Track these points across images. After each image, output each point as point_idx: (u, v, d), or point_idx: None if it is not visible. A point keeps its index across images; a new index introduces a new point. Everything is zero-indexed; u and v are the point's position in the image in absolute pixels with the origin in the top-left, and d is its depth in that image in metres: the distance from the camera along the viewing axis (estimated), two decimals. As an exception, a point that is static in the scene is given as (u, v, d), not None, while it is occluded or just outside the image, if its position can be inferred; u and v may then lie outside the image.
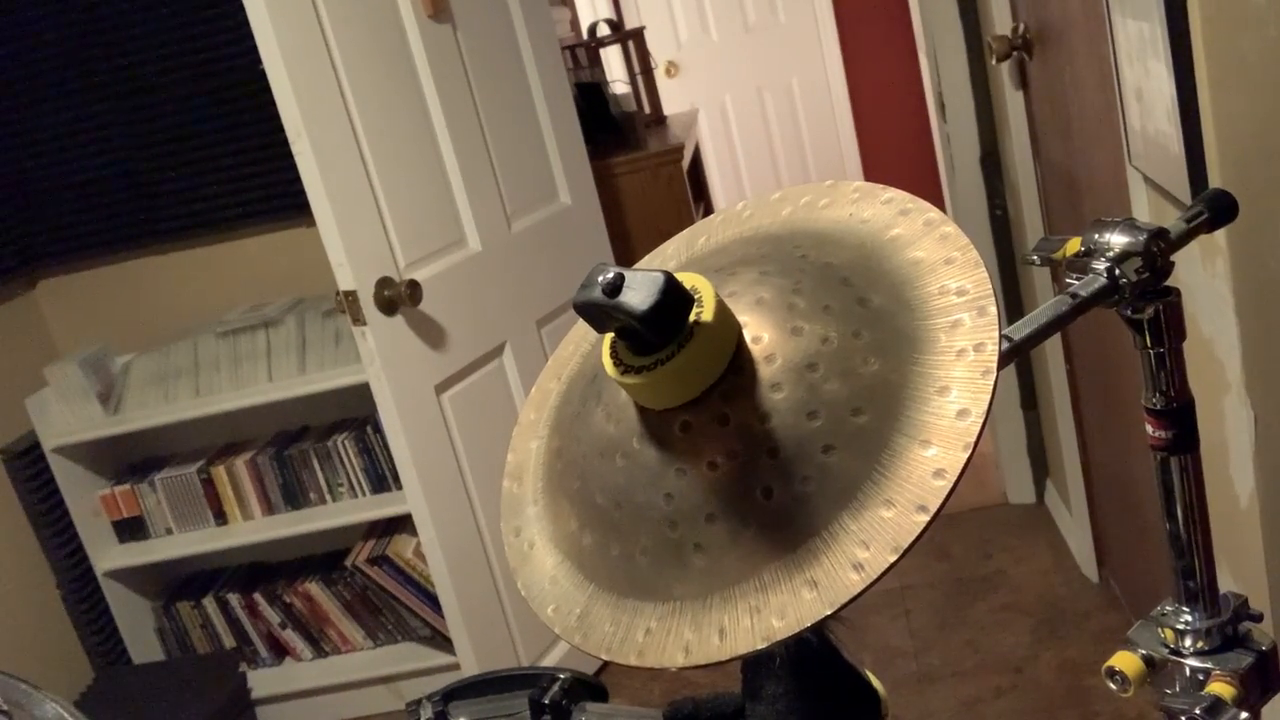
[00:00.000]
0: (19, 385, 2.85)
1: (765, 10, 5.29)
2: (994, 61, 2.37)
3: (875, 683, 0.71)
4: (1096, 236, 0.78)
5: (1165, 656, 0.83)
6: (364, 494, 2.83)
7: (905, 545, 0.51)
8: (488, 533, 2.47)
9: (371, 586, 2.84)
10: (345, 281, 2.16)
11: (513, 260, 2.55)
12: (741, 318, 0.58)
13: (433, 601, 2.67)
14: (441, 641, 2.77)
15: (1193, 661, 0.82)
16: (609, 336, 0.58)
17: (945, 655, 2.53)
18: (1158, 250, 0.77)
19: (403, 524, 2.80)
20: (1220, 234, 1.19)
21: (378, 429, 2.71)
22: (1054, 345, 2.51)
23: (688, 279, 0.57)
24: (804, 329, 0.57)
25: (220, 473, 2.87)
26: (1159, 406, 0.81)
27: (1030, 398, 2.98)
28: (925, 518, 0.51)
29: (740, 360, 0.57)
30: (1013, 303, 2.86)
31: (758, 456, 0.55)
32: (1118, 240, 0.77)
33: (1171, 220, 0.83)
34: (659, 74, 4.84)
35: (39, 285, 3.05)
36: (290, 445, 2.87)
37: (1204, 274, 1.30)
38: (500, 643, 2.49)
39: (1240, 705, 0.78)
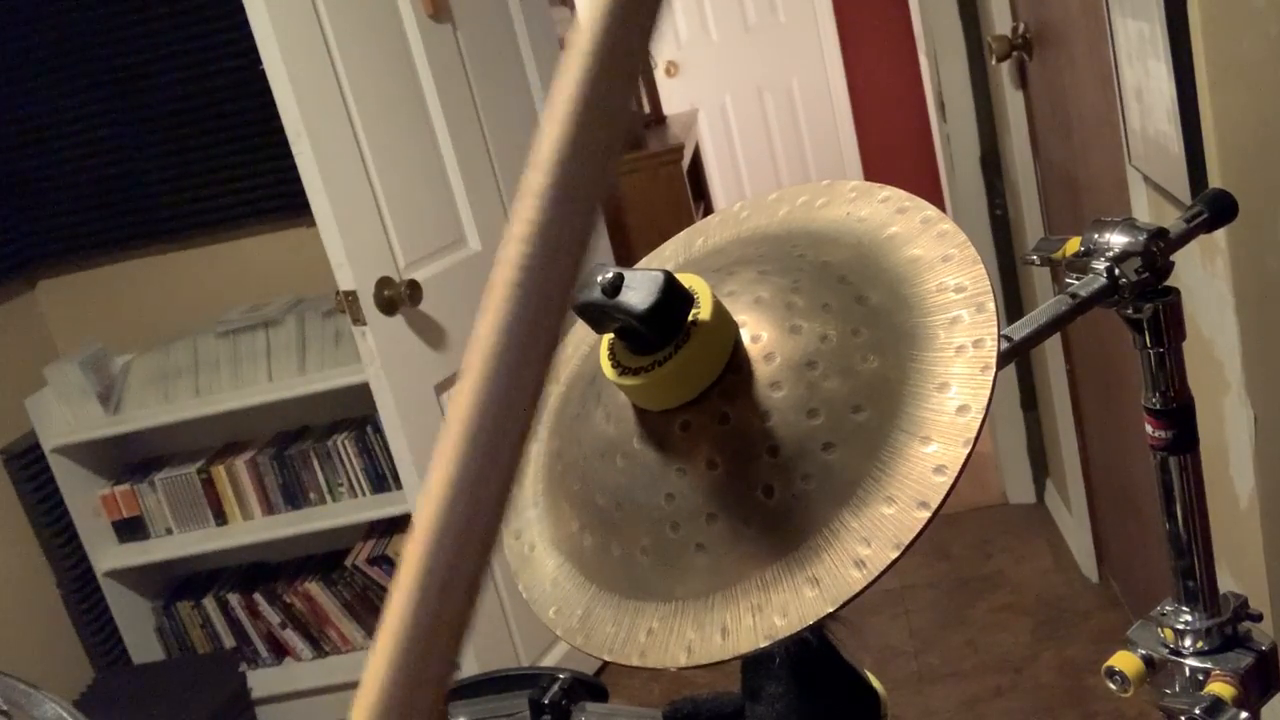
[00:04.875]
0: (19, 385, 2.85)
1: (765, 10, 5.29)
2: (994, 61, 2.37)
3: (875, 683, 0.71)
4: (1096, 236, 0.78)
5: (1165, 656, 0.83)
6: (364, 494, 2.83)
7: (907, 542, 0.51)
8: (488, 533, 2.47)
9: (371, 586, 2.84)
10: (345, 281, 2.16)
11: (513, 260, 2.55)
12: (740, 317, 0.58)
13: (433, 601, 2.67)
14: (441, 642, 2.77)
15: (1192, 661, 0.82)
16: (607, 338, 0.58)
17: (945, 655, 2.53)
18: (1157, 250, 0.78)
19: (403, 524, 2.80)
20: (1220, 234, 1.19)
21: (378, 429, 2.70)
22: (1054, 345, 2.50)
23: (684, 279, 0.57)
24: (803, 327, 0.57)
25: (220, 473, 2.87)
26: (1159, 406, 0.81)
27: (1030, 398, 2.98)
28: (926, 514, 0.51)
29: (739, 359, 0.57)
30: (1013, 303, 2.86)
31: (758, 455, 0.55)
32: (1117, 240, 0.77)
33: (1171, 220, 0.83)
34: (659, 74, 4.84)
35: (39, 285, 3.05)
36: (290, 445, 2.87)
37: (1204, 274, 1.30)
38: (500, 643, 2.49)
39: (1240, 705, 0.78)
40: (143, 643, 2.99)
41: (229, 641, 2.98)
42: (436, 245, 2.37)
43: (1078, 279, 0.77)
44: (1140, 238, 0.77)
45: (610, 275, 0.54)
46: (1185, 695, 0.80)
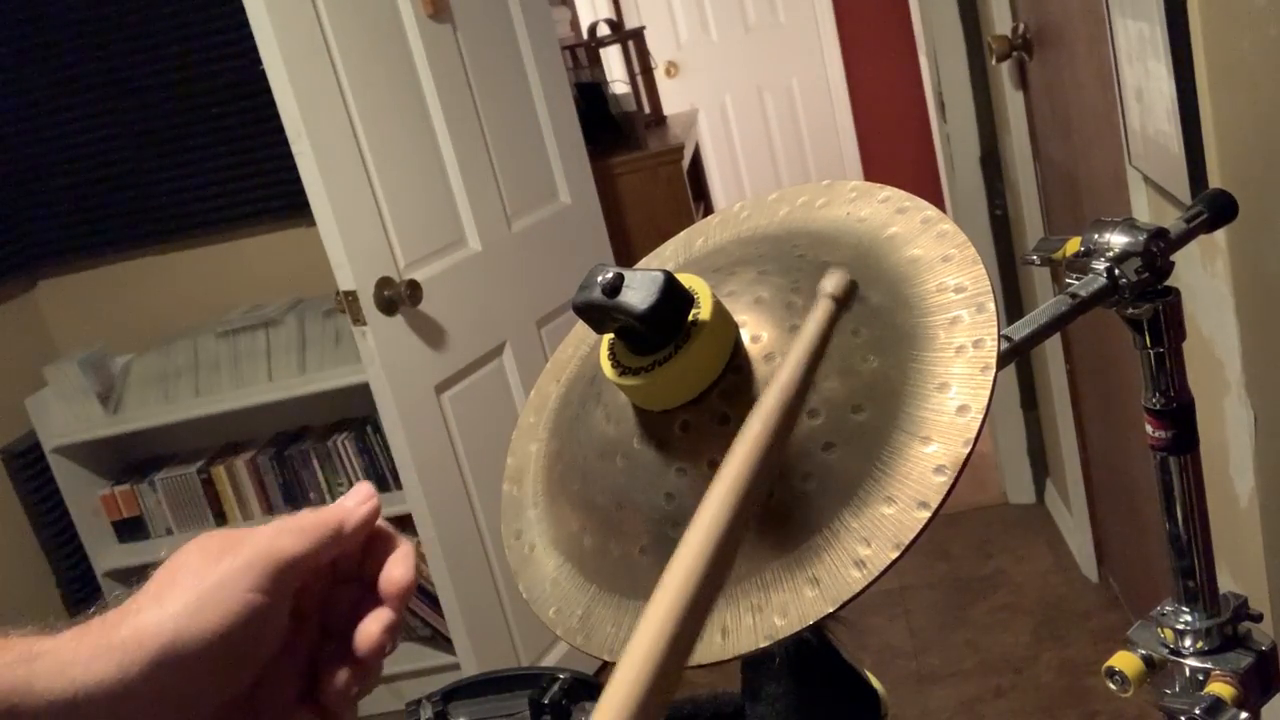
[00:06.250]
0: (19, 385, 2.85)
1: (765, 10, 5.29)
2: (994, 61, 2.37)
3: (875, 683, 0.71)
4: (1096, 236, 0.78)
5: (1165, 656, 0.83)
6: (364, 494, 2.82)
7: (907, 542, 0.51)
8: (488, 533, 2.47)
9: (371, 587, 2.83)
10: (345, 281, 2.16)
11: (513, 260, 2.55)
12: (740, 317, 0.58)
13: (433, 601, 2.67)
14: (441, 641, 2.77)
15: (1192, 661, 0.82)
16: (607, 339, 0.58)
17: (945, 655, 2.53)
18: (1157, 250, 0.78)
19: (403, 524, 2.80)
20: (1220, 234, 1.19)
21: (378, 429, 2.70)
22: (1054, 345, 2.50)
23: (684, 279, 0.57)
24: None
25: (220, 473, 2.87)
26: (1159, 406, 0.81)
27: (1030, 398, 2.98)
28: (926, 514, 0.51)
29: (739, 359, 0.57)
30: (1013, 303, 2.86)
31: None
32: (1118, 240, 0.77)
33: (1171, 220, 0.83)
34: (659, 74, 4.84)
35: (39, 285, 3.05)
36: (290, 445, 2.87)
37: (1204, 274, 1.30)
38: (500, 643, 2.49)
39: (1240, 705, 0.78)
40: (143, 643, 2.99)
41: (229, 641, 2.98)
42: (436, 245, 2.37)
43: (1078, 279, 0.77)
44: (1140, 238, 0.77)
45: (610, 275, 0.54)
46: (1185, 695, 0.80)
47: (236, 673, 0.52)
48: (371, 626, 0.55)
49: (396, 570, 0.57)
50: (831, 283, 0.51)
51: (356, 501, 0.57)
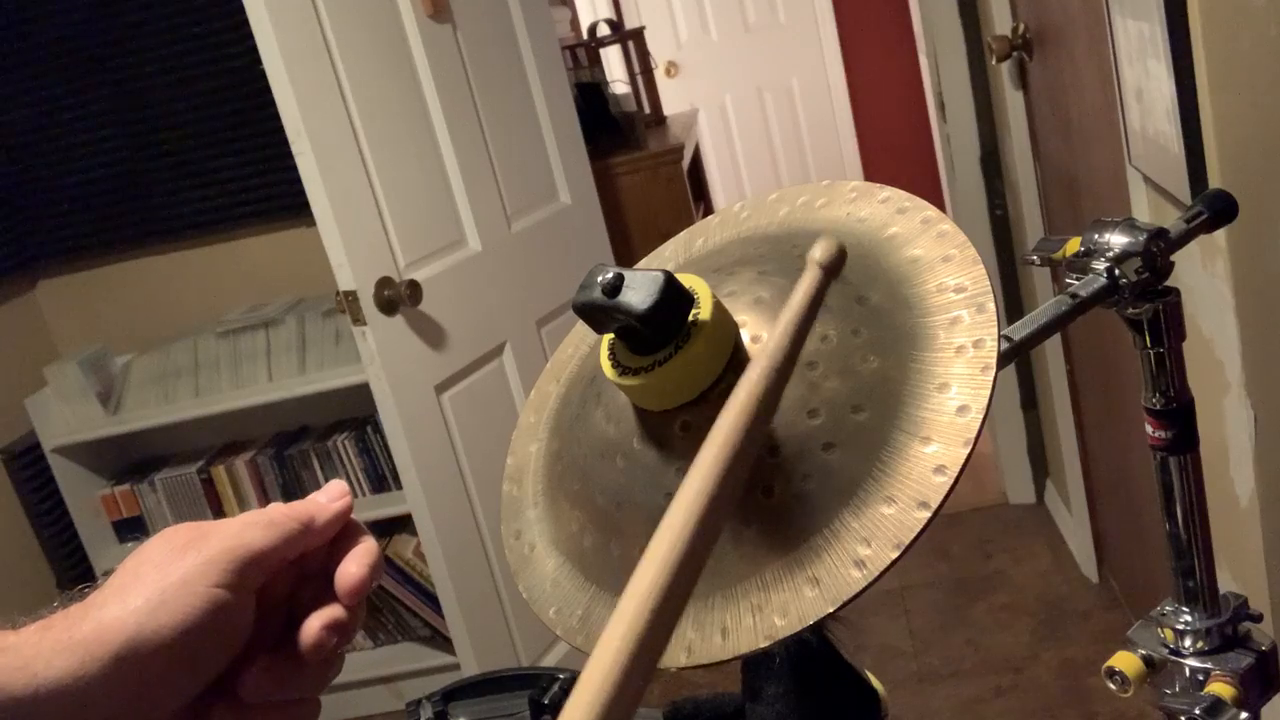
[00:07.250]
0: (19, 385, 2.85)
1: (765, 10, 5.29)
2: (994, 61, 2.37)
3: (875, 683, 0.71)
4: (1096, 236, 0.78)
5: (1165, 656, 0.83)
6: (364, 494, 2.83)
7: (907, 542, 0.51)
8: (488, 533, 2.47)
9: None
10: (345, 281, 2.16)
11: (513, 260, 2.55)
12: (740, 317, 0.58)
13: (433, 601, 2.67)
14: (441, 641, 2.77)
15: (1192, 661, 0.82)
16: (607, 338, 0.58)
17: (945, 655, 2.53)
18: (1157, 250, 0.78)
19: (403, 524, 2.80)
20: (1220, 234, 1.19)
21: (378, 429, 2.71)
22: (1054, 345, 2.50)
23: (684, 279, 0.57)
24: (804, 328, 0.57)
25: (220, 473, 2.87)
26: (1159, 406, 0.81)
27: (1030, 398, 2.98)
28: (926, 514, 0.51)
29: (739, 359, 0.57)
30: (1013, 303, 2.86)
31: (758, 455, 0.55)
32: (1117, 240, 0.77)
33: (1171, 220, 0.83)
34: (659, 74, 4.83)
35: (39, 285, 3.05)
36: (290, 445, 2.87)
37: (1204, 274, 1.30)
38: (500, 643, 2.49)
39: (1240, 705, 0.78)
40: (143, 643, 2.99)
41: (229, 641, 2.98)
42: (436, 245, 2.37)
43: (1078, 279, 0.77)
44: (1140, 238, 0.77)
45: (610, 275, 0.54)
46: (1185, 695, 0.80)
47: (199, 669, 0.50)
48: (314, 622, 0.53)
49: (351, 566, 0.55)
50: (819, 250, 0.50)
51: (329, 498, 0.56)
